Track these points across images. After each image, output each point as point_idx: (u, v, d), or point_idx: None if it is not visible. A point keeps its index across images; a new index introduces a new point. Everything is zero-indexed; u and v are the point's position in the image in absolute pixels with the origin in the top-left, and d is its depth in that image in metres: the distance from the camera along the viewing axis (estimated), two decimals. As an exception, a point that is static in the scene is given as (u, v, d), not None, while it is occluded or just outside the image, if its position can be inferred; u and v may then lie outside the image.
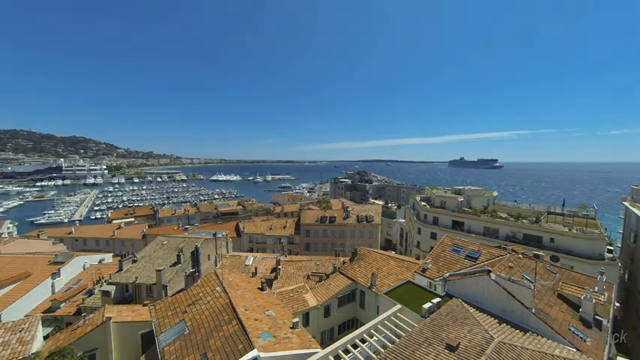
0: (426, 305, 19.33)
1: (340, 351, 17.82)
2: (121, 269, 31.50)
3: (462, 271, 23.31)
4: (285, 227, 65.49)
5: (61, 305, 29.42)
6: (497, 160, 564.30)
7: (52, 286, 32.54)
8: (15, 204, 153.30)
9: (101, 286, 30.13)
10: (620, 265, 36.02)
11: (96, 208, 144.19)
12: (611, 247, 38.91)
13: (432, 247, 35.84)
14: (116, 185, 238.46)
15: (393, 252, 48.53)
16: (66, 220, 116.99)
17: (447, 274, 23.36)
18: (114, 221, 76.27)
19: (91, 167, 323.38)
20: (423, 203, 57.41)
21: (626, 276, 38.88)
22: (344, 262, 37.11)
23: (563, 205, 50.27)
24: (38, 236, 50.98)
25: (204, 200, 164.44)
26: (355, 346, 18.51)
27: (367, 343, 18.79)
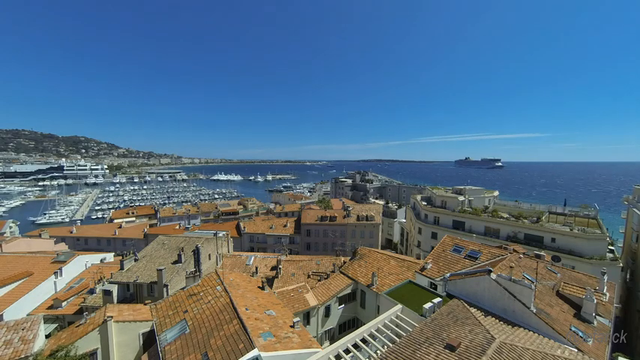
0: (427, 305, 19.34)
1: (341, 350, 17.82)
2: (122, 268, 31.58)
3: (463, 270, 23.30)
4: (285, 227, 65.49)
5: (63, 304, 29.51)
6: (499, 159, 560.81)
7: (54, 285, 32.65)
8: (17, 203, 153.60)
9: (102, 285, 30.19)
10: (621, 265, 35.92)
11: (97, 207, 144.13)
12: (613, 247, 38.78)
13: (432, 247, 35.80)
14: (117, 185, 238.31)
15: (394, 252, 48.58)
16: (67, 220, 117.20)
17: (448, 274, 23.36)
18: (115, 221, 76.50)
19: (93, 167, 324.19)
20: (423, 203, 57.38)
21: (628, 276, 38.77)
22: (344, 262, 37.13)
23: (565, 204, 50.14)
24: (40, 235, 51.11)
25: (205, 200, 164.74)
26: (356, 346, 18.52)
27: (368, 342, 18.81)
